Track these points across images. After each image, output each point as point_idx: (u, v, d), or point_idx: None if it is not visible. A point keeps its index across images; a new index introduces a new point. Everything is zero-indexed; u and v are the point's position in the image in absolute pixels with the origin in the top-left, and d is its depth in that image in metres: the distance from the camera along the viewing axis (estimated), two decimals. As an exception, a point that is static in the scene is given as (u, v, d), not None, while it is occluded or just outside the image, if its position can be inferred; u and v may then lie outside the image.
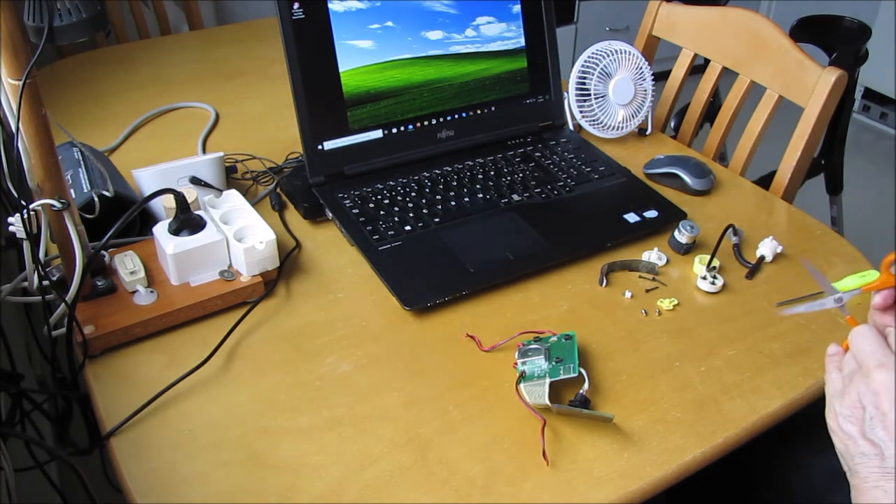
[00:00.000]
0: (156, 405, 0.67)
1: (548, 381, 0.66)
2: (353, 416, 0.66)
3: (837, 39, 1.72)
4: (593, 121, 1.11)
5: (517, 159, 1.03)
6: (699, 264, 0.85)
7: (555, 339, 0.72)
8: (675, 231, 0.88)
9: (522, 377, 0.68)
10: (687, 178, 1.00)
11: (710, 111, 1.31)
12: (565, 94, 1.11)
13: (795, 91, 1.08)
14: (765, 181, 1.11)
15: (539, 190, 0.97)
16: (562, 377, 0.67)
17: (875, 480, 0.51)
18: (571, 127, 1.12)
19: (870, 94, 2.90)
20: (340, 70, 0.94)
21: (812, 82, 1.06)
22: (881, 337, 0.55)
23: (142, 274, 0.77)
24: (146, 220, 0.88)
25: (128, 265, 0.77)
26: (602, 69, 1.09)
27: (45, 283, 0.71)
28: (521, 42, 1.06)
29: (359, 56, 0.95)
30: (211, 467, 0.61)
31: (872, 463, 0.51)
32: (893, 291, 0.59)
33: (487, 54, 1.04)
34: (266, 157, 1.07)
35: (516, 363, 0.70)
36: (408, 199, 0.93)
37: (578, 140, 1.09)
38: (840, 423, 0.54)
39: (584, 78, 1.09)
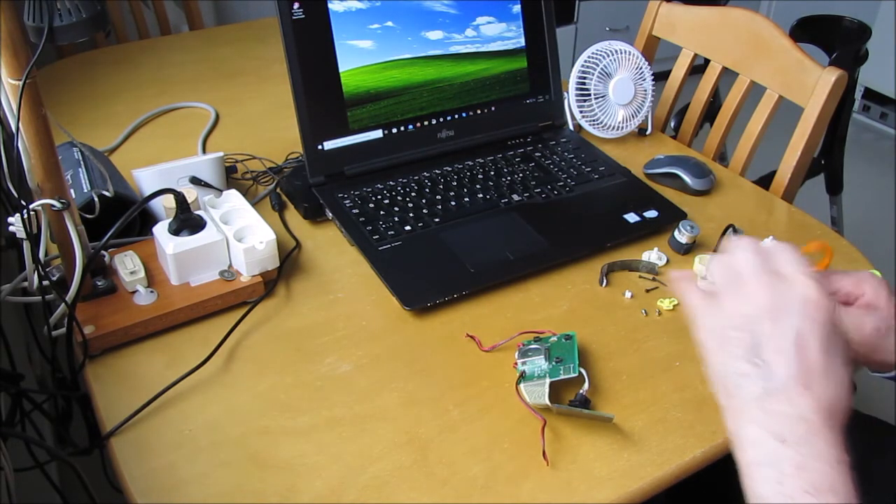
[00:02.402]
0: (156, 405, 0.67)
1: (548, 381, 0.66)
2: (353, 416, 0.66)
3: (837, 39, 1.71)
4: (593, 121, 1.11)
5: (517, 159, 1.03)
6: (699, 264, 0.85)
7: (555, 339, 0.72)
8: (675, 231, 0.88)
9: (522, 377, 0.68)
10: (687, 178, 1.00)
11: (710, 111, 1.31)
12: (565, 94, 1.11)
13: (795, 91, 1.08)
14: (765, 181, 1.11)
15: (539, 190, 0.97)
16: (562, 377, 0.67)
17: (759, 400, 0.48)
18: (571, 127, 1.12)
19: (870, 94, 2.90)
20: (340, 70, 0.94)
21: (812, 82, 1.06)
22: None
23: (142, 274, 0.77)
24: (146, 220, 0.88)
25: (128, 265, 0.77)
26: (602, 69, 1.09)
27: (45, 283, 0.71)
28: (521, 42, 1.06)
29: (359, 56, 0.95)
30: (211, 467, 0.61)
31: (754, 389, 0.48)
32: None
33: (487, 54, 1.04)
34: (266, 157, 1.07)
35: (516, 363, 0.70)
36: (408, 199, 0.93)
37: (578, 140, 1.09)
38: (727, 335, 0.51)
39: (584, 78, 1.09)
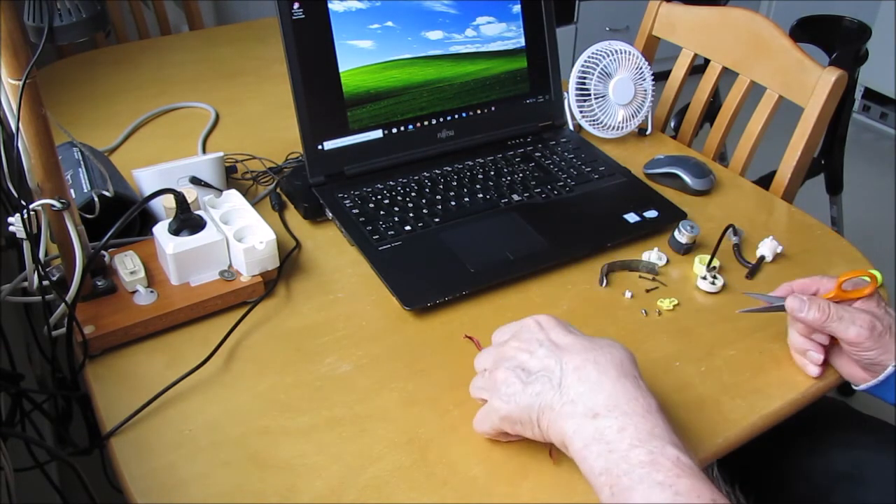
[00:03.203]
0: (156, 405, 0.67)
1: None
2: (353, 416, 0.66)
3: (837, 39, 1.71)
4: (593, 121, 1.11)
5: (517, 159, 1.03)
6: (699, 264, 0.85)
7: None
8: (675, 231, 0.88)
9: None
10: (687, 178, 1.00)
11: (710, 111, 1.31)
12: (565, 94, 1.11)
13: (795, 91, 1.08)
14: (765, 181, 1.11)
15: (539, 190, 0.97)
16: None
17: (559, 407, 0.55)
18: (571, 127, 1.12)
19: (870, 94, 2.90)
20: (340, 70, 0.94)
21: (812, 82, 1.06)
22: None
23: (142, 274, 0.77)
24: (146, 220, 0.88)
25: (128, 265, 0.77)
26: (602, 69, 1.09)
27: (45, 283, 0.71)
28: (521, 42, 1.06)
29: (359, 56, 0.95)
30: (211, 467, 0.61)
31: (550, 393, 0.56)
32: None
33: (487, 54, 1.04)
34: (266, 157, 1.07)
35: None
36: (408, 199, 0.93)
37: (578, 140, 1.09)
38: (507, 383, 0.58)
39: (584, 78, 1.09)
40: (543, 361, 0.57)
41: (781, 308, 0.70)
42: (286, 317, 0.78)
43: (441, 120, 1.02)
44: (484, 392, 0.61)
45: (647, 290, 0.83)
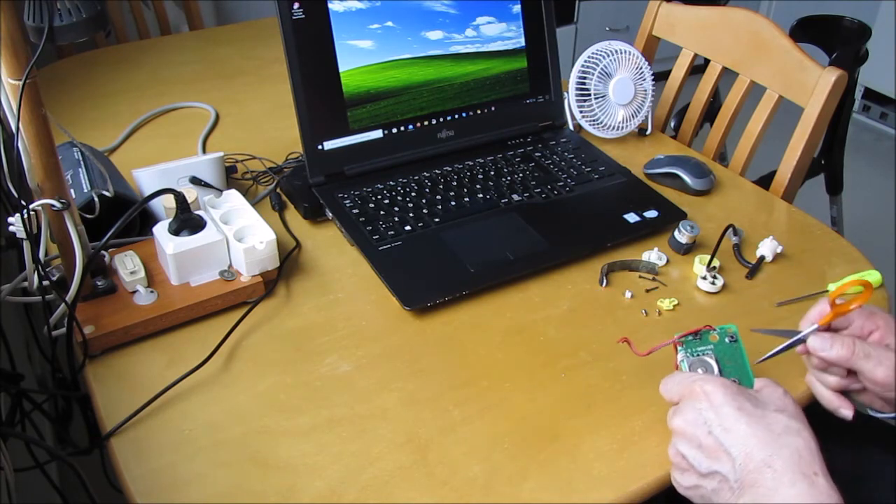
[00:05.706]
0: (156, 405, 0.67)
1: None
2: (352, 416, 0.67)
3: (837, 39, 1.71)
4: (593, 121, 1.11)
5: (517, 159, 1.03)
6: (699, 264, 0.85)
7: (715, 333, 0.64)
8: (675, 231, 0.88)
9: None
10: (687, 178, 1.00)
11: (710, 111, 1.31)
12: (565, 94, 1.11)
13: (795, 91, 1.08)
14: (765, 181, 1.11)
15: (539, 190, 0.97)
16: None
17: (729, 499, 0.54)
18: (571, 127, 1.12)
19: (870, 94, 2.90)
20: (340, 70, 0.94)
21: (812, 82, 1.06)
22: (679, 372, 0.62)
23: (142, 274, 0.77)
24: (146, 220, 0.88)
25: (128, 265, 0.77)
26: (602, 69, 1.09)
27: (45, 283, 0.71)
28: (521, 42, 1.06)
29: (359, 56, 0.95)
30: (211, 467, 0.61)
31: (724, 489, 0.54)
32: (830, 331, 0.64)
33: (487, 54, 1.04)
34: (266, 157, 1.07)
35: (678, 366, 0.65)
36: (408, 199, 0.93)
37: (578, 140, 1.09)
38: (696, 478, 0.56)
39: (584, 78, 1.09)
40: (715, 463, 0.55)
41: (801, 342, 0.66)
42: (286, 317, 0.78)
43: (441, 120, 1.02)
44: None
45: (647, 290, 0.83)
